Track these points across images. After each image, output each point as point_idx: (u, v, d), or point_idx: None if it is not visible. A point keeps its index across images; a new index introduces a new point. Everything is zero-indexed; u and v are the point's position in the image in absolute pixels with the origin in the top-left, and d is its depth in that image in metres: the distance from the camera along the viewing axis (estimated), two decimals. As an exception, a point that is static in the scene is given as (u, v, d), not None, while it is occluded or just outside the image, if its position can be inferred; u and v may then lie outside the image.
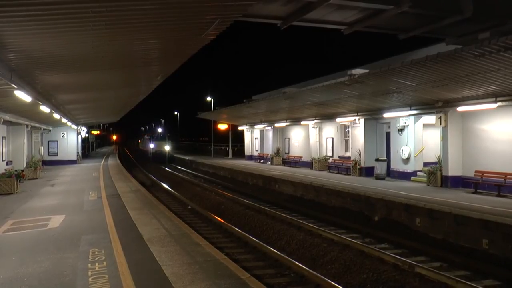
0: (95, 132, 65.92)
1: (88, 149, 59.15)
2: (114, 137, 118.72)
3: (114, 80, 16.86)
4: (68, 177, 24.83)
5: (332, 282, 8.48)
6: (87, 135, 54.49)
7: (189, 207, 19.18)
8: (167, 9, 7.91)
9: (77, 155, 38.27)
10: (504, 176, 15.90)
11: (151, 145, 56.83)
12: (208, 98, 57.88)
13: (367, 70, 18.17)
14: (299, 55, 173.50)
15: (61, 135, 36.34)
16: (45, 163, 32.31)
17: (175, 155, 56.75)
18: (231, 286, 6.18)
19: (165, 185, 26.90)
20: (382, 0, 14.40)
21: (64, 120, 27.60)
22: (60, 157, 36.18)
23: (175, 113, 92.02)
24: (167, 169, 42.77)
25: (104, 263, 7.35)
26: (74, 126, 36.10)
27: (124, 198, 15.50)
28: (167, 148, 55.17)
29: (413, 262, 9.95)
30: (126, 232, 9.84)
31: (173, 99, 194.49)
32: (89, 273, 6.82)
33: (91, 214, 12.37)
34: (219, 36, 10.09)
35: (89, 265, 7.25)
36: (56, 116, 22.97)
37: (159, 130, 61.25)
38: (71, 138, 37.02)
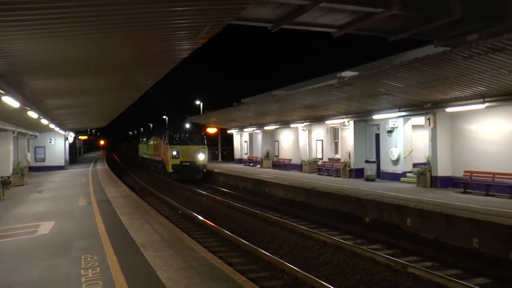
0: (83, 137, 63.95)
1: (75, 154, 58.56)
2: (102, 142, 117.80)
3: (104, 85, 16.74)
4: (56, 183, 24.57)
5: (326, 284, 8.47)
6: (74, 140, 53.02)
7: (180, 211, 19.07)
8: (159, 13, 7.87)
9: (65, 161, 37.89)
10: (492, 175, 16.09)
11: (173, 152, 31.84)
12: (197, 102, 57.73)
13: (356, 73, 18.27)
14: (289, 57, 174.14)
15: (49, 141, 35.95)
16: (32, 169, 31.91)
17: None
18: (228, 290, 6.15)
19: (155, 190, 26.71)
20: (372, 3, 14.52)
21: (51, 126, 27.30)
22: (47, 163, 35.77)
23: (164, 117, 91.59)
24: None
25: (98, 269, 7.27)
26: (61, 132, 35.75)
27: (115, 204, 15.36)
28: (201, 157, 32.25)
29: (405, 262, 10.00)
30: (118, 237, 9.75)
31: (162, 103, 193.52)
32: (83, 279, 6.73)
33: (81, 220, 12.23)
34: (209, 38, 10.07)
35: (82, 271, 7.16)
36: (44, 121, 22.72)
37: (187, 126, 35.61)
38: (58, 143, 36.65)
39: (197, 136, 34.43)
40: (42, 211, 14.05)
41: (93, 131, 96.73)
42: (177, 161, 31.63)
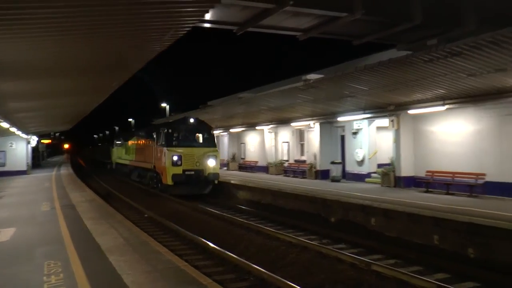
0: (46, 141, 61.90)
1: (38, 158, 56.98)
2: (66, 146, 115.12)
3: (68, 87, 16.41)
4: (18, 188, 23.87)
5: (291, 284, 8.58)
6: (37, 144, 51.34)
7: (146, 216, 18.86)
8: (123, 16, 7.82)
9: (27, 165, 36.86)
10: (452, 175, 16.65)
11: (174, 158, 23.26)
12: (163, 105, 57.21)
13: (322, 75, 18.60)
14: (255, 60, 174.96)
15: (9, 145, 34.92)
16: (-8, 174, 30.96)
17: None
18: (193, 292, 6.17)
19: (120, 195, 26.33)
20: (336, 7, 14.82)
21: (13, 129, 26.55)
22: (8, 167, 34.70)
23: (130, 120, 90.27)
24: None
25: (61, 275, 7.13)
26: (23, 135, 34.82)
27: (79, 208, 15.08)
28: (212, 163, 23.81)
29: (369, 261, 10.24)
30: (83, 242, 9.59)
31: (127, 106, 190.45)
32: (45, 286, 6.59)
33: (44, 225, 11.95)
34: (174, 41, 10.07)
35: (45, 278, 7.01)
36: (5, 125, 22.10)
37: (191, 120, 25.31)
38: (20, 147, 35.64)
39: (205, 135, 25.24)
40: (2, 217, 13.62)
41: (57, 134, 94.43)
42: (179, 170, 22.97)
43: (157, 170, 25.26)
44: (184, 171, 23.08)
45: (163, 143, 24.23)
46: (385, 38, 18.57)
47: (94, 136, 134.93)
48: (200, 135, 25.21)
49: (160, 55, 11.63)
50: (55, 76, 13.53)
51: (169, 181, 22.97)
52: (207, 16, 13.96)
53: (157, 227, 16.12)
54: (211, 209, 18.94)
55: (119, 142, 39.92)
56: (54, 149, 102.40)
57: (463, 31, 16.02)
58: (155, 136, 26.05)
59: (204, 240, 12.69)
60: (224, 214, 17.51)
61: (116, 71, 14.19)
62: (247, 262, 10.31)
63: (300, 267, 10.28)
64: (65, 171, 40.31)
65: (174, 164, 23.03)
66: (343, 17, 15.20)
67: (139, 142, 31.40)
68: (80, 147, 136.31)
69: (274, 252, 11.63)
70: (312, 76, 18.87)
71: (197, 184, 23.62)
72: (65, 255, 8.47)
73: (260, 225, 14.95)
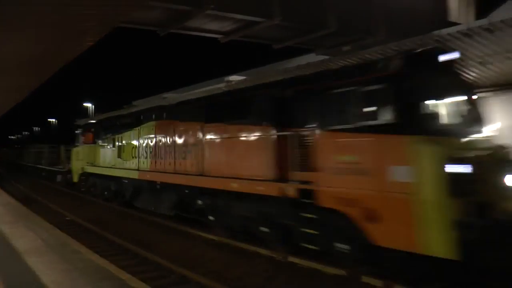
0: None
1: None
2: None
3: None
4: None
5: (210, 280, 8.97)
6: None
7: (68, 218, 18.34)
8: (45, 14, 7.80)
9: None
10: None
11: (453, 169, 6.38)
12: (88, 104, 55.26)
13: (244, 77, 19.12)
14: (179, 61, 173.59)
15: None
16: None
17: None
18: (113, 287, 6.35)
19: (40, 198, 25.28)
20: (256, 13, 15.47)
21: None
22: None
23: (52, 120, 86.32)
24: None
25: (-28, 280, 7.00)
26: None
27: (-6, 212, 14.51)
28: None
29: (286, 254, 10.81)
30: (-2, 247, 9.36)
31: (48, 106, 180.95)
32: (-46, 292, 6.48)
33: (-49, 233, 11.38)
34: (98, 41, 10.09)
35: (-46, 286, 6.85)
36: None
37: (444, 58, 7.37)
38: None
39: (470, 101, 8.51)
40: None
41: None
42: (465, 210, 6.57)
43: (347, 211, 8.37)
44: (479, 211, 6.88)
45: (371, 124, 7.74)
46: (304, 43, 19.52)
47: (11, 137, 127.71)
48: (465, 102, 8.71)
49: (83, 54, 11.58)
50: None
51: (448, 252, 6.52)
52: (130, 17, 14.01)
53: (79, 228, 15.69)
54: (132, 211, 18.62)
55: (106, 134, 20.58)
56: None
57: (375, 39, 17.26)
58: (312, 104, 9.16)
59: (126, 242, 12.65)
60: (146, 216, 17.31)
61: (36, 70, 13.84)
62: (168, 261, 10.52)
63: (220, 263, 10.66)
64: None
65: (457, 192, 6.64)
66: (262, 22, 15.92)
67: (181, 128, 13.80)
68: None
69: (196, 250, 11.90)
70: (235, 78, 19.32)
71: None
72: (-21, 261, 8.24)
73: (181, 226, 15.02)
